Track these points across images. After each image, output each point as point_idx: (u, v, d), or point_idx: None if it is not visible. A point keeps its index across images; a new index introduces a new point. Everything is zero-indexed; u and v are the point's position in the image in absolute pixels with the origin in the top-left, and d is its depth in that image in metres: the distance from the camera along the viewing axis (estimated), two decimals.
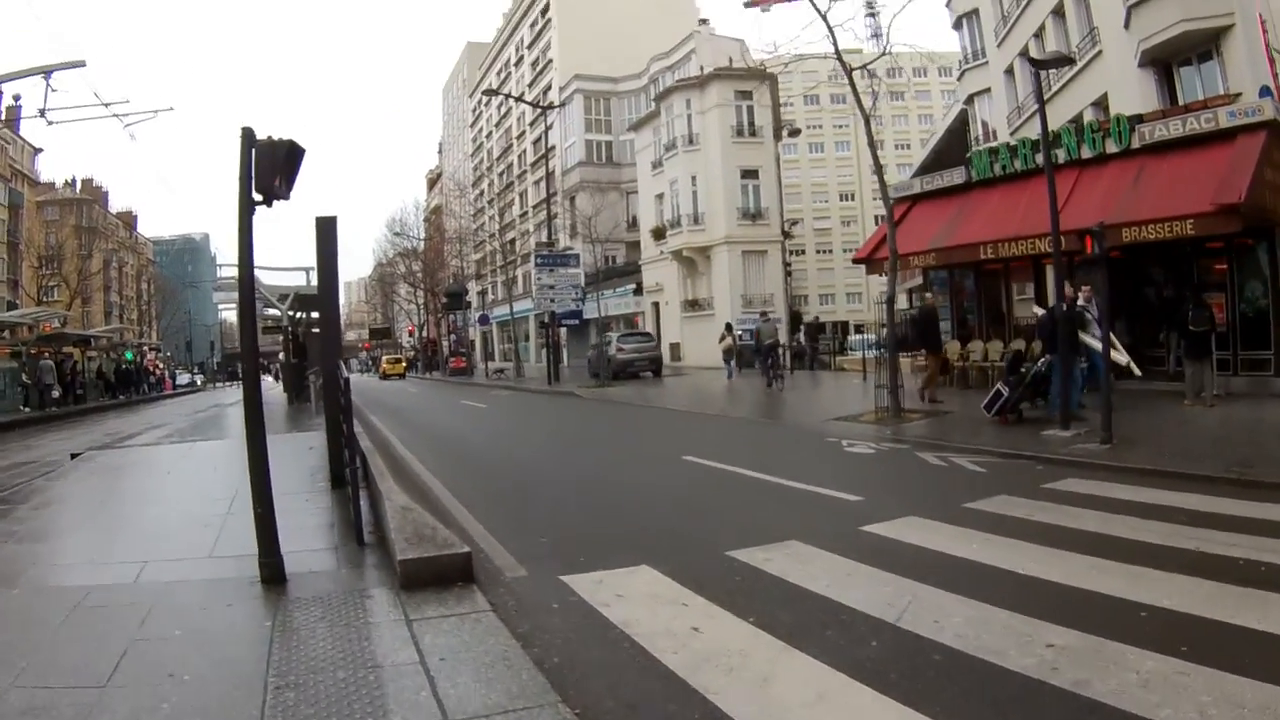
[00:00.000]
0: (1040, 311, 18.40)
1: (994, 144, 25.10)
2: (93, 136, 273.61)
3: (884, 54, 20.03)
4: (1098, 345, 15.05)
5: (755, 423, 20.10)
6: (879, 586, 6.51)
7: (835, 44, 18.45)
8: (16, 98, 22.10)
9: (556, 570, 7.30)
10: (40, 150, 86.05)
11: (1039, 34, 31.88)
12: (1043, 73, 30.86)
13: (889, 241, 18.61)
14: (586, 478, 13.03)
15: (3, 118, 74.21)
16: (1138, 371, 17.04)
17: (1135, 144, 20.07)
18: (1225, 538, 7.31)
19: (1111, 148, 20.63)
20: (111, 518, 10.81)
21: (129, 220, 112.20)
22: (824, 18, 18.44)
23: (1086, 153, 21.21)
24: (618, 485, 12.07)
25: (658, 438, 18.24)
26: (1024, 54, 17.39)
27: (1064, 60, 17.89)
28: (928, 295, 24.28)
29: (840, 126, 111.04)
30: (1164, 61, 24.38)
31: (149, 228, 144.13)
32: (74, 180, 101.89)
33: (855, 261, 28.21)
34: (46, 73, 20.63)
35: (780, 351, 32.34)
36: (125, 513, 11.23)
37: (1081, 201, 19.91)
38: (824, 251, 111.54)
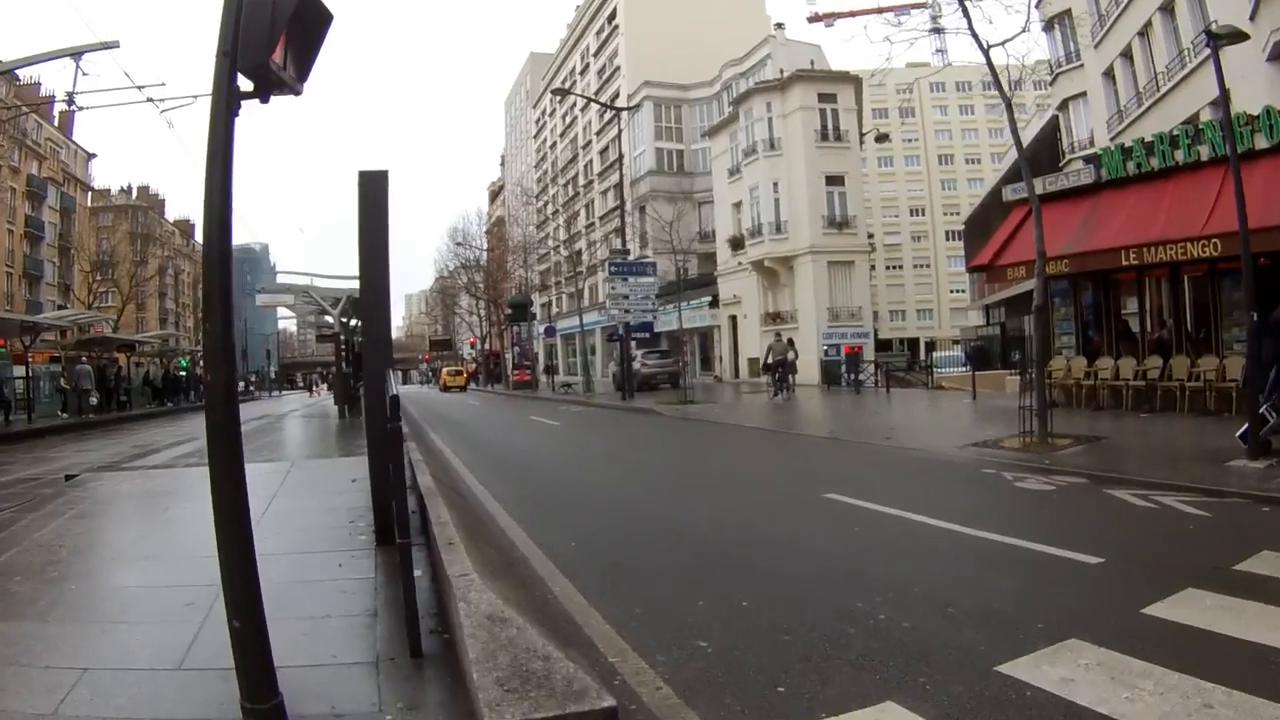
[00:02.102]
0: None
1: (1122, 143, 22.91)
2: (148, 142, 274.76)
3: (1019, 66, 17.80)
4: None
5: (880, 448, 17.33)
6: None
7: (972, 25, 16.15)
8: (70, 102, 20.50)
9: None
10: (94, 156, 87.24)
11: (1144, 32, 30.15)
12: (1152, 72, 30.04)
13: (1036, 241, 16.42)
14: (721, 527, 9.92)
15: (56, 122, 75.80)
16: None
17: None
18: None
19: (1261, 143, 18.53)
20: (60, 587, 7.28)
21: (186, 228, 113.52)
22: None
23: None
24: (768, 541, 9.13)
25: (777, 467, 15.85)
26: (1208, 31, 15.26)
27: (1242, 35, 15.75)
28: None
29: (910, 141, 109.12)
30: None
31: None
32: (130, 187, 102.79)
33: (972, 269, 26.20)
34: (77, 54, 19.44)
35: (788, 369, 33.52)
36: (84, 577, 7.76)
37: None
38: (894, 267, 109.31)
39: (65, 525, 10.11)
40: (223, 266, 4.15)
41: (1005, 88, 17.09)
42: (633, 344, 42.48)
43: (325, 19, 4.58)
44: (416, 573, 6.53)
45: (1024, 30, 17.70)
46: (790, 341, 36.08)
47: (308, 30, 4.52)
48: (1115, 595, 6.64)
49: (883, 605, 6.49)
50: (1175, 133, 21.14)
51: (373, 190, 7.91)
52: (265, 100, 4.39)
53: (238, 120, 4.15)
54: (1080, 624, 5.88)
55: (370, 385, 8.22)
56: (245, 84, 4.26)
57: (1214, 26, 15.97)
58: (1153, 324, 23.43)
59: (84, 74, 19.52)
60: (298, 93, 4.55)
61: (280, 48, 4.29)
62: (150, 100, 20.99)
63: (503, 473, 15.46)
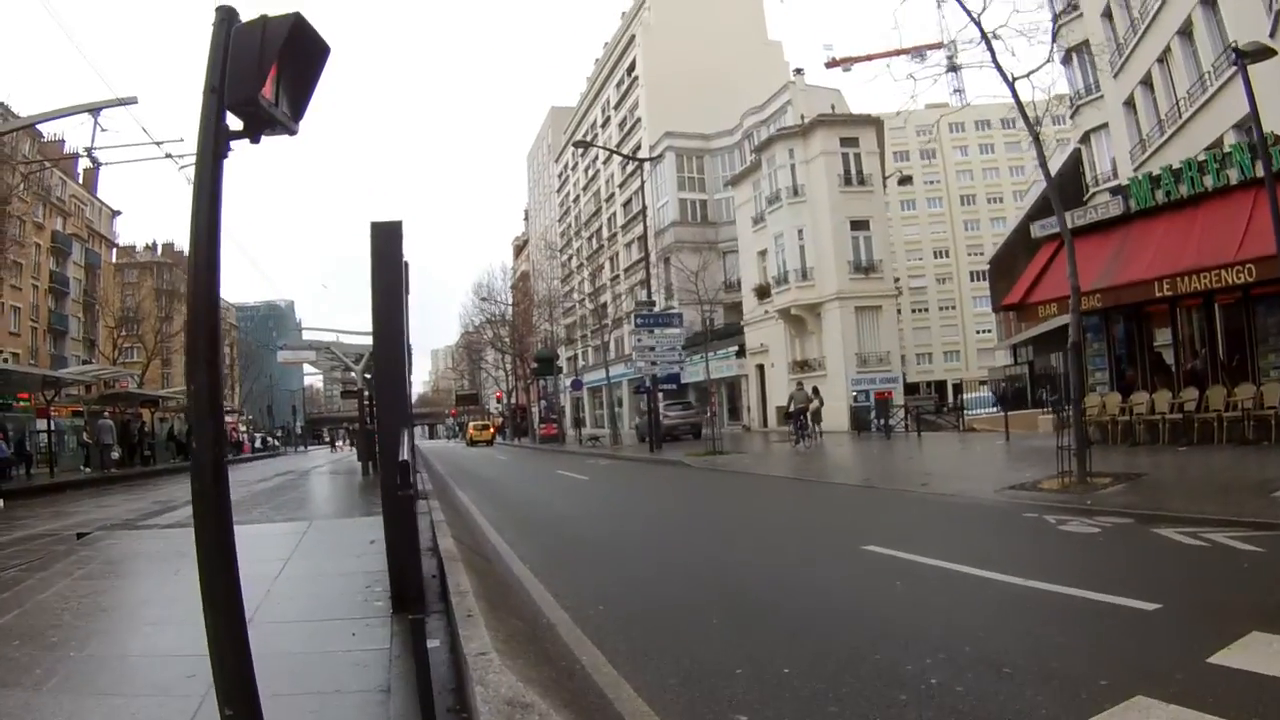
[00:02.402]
0: None
1: (1150, 172, 22.56)
2: (170, 200, 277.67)
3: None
4: None
5: (915, 495, 16.70)
6: None
7: (995, 58, 15.86)
8: (89, 157, 20.59)
9: None
10: (119, 213, 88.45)
11: (1163, 59, 29.80)
12: (1173, 98, 29.67)
13: (1070, 277, 15.98)
14: (757, 584, 9.37)
15: (80, 180, 76.58)
16: None
17: None
18: None
19: None
20: (59, 653, 6.68)
21: None
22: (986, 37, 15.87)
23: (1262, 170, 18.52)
24: (807, 599, 8.51)
25: (812, 518, 15.31)
26: (1234, 48, 14.98)
27: (1270, 51, 15.44)
28: None
29: (932, 183, 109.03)
30: None
31: (233, 294, 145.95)
32: (155, 244, 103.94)
33: (1002, 308, 25.81)
34: (95, 110, 19.38)
35: (807, 417, 33.05)
36: (85, 643, 7.13)
37: (1267, 222, 17.31)
38: (919, 310, 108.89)
39: (71, 586, 9.79)
40: (209, 317, 3.80)
41: (1031, 121, 16.81)
42: (659, 395, 42.21)
43: (321, 51, 4.19)
44: (434, 643, 6.26)
45: (1048, 61, 17.49)
46: (815, 390, 36.03)
47: (302, 64, 4.14)
48: (1177, 644, 6.23)
49: (934, 668, 6.01)
50: (1202, 158, 20.87)
51: (386, 241, 7.56)
52: (255, 140, 4.03)
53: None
54: (1145, 678, 5.46)
55: (384, 446, 7.53)
56: (235, 123, 3.92)
57: (1239, 45, 15.70)
58: (1185, 354, 23.10)
59: (103, 130, 19.73)
60: (292, 132, 4.17)
61: (271, 82, 3.93)
62: (169, 156, 21.01)
63: (529, 530, 14.96)
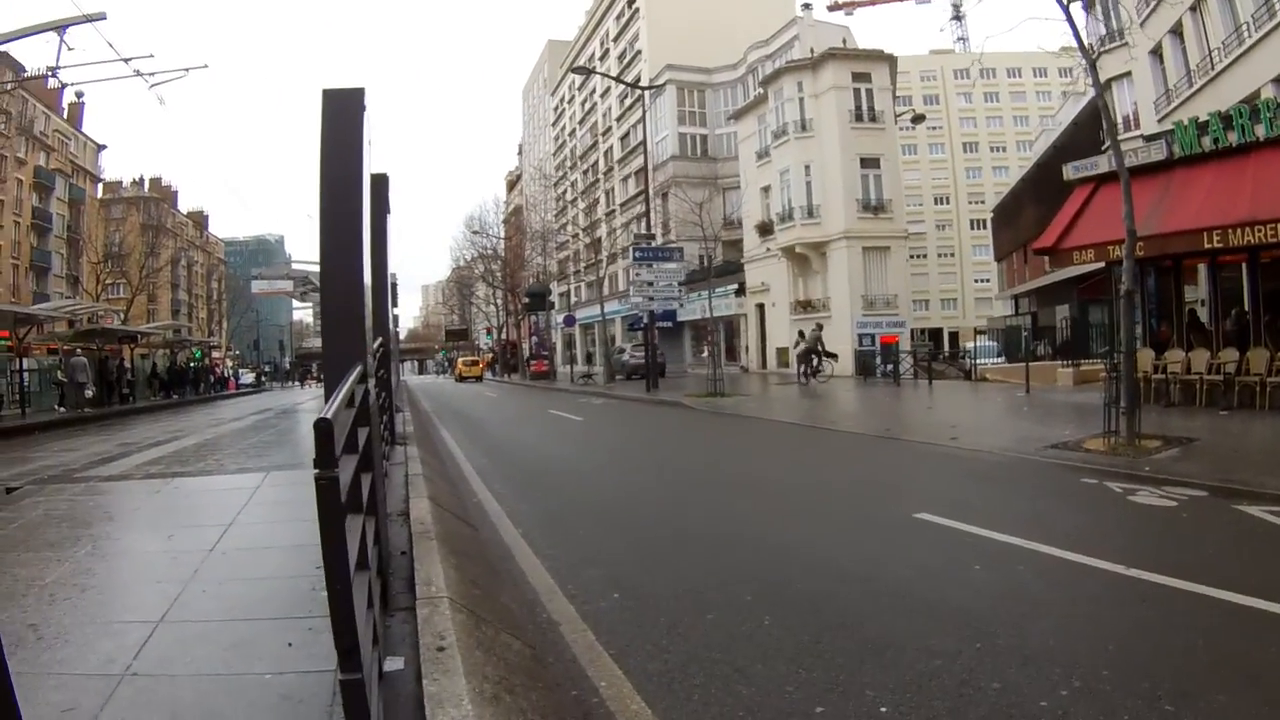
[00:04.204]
0: None
1: (1197, 117, 21.32)
2: (161, 134, 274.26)
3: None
4: None
5: (947, 450, 15.25)
6: None
7: None
8: (79, 94, 19.61)
9: None
10: (104, 147, 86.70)
11: (1196, 8, 28.50)
12: (1205, 49, 28.50)
13: (1125, 220, 14.66)
14: (801, 567, 7.64)
15: (65, 114, 74.98)
16: None
17: None
18: None
19: None
20: None
21: (199, 219, 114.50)
22: None
23: None
24: (868, 588, 6.94)
25: (842, 475, 13.65)
26: None
27: None
28: None
29: (934, 129, 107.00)
30: None
31: (223, 229, 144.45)
32: (142, 179, 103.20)
33: (1037, 251, 24.43)
34: (61, 27, 18.48)
35: (817, 357, 35.44)
36: None
37: None
38: (917, 256, 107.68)
39: None
40: None
41: (1086, 49, 15.58)
42: (641, 335, 41.63)
43: None
44: (396, 665, 4.60)
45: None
46: (816, 334, 36.70)
47: None
48: None
49: (1072, 701, 4.66)
50: (1257, 105, 19.68)
51: (341, 111, 5.80)
52: None
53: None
54: None
55: (328, 387, 5.47)
56: None
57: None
58: (1221, 313, 22.16)
59: (69, 49, 18.54)
60: None
61: None
62: (138, 74, 20.11)
63: (522, 483, 13.35)
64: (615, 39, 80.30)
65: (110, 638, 5.30)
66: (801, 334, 39.50)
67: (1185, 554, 7.73)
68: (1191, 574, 6.81)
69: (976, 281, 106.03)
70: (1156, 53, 32.12)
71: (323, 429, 3.17)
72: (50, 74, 19.76)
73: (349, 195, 5.69)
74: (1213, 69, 27.74)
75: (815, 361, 35.52)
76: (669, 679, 5.20)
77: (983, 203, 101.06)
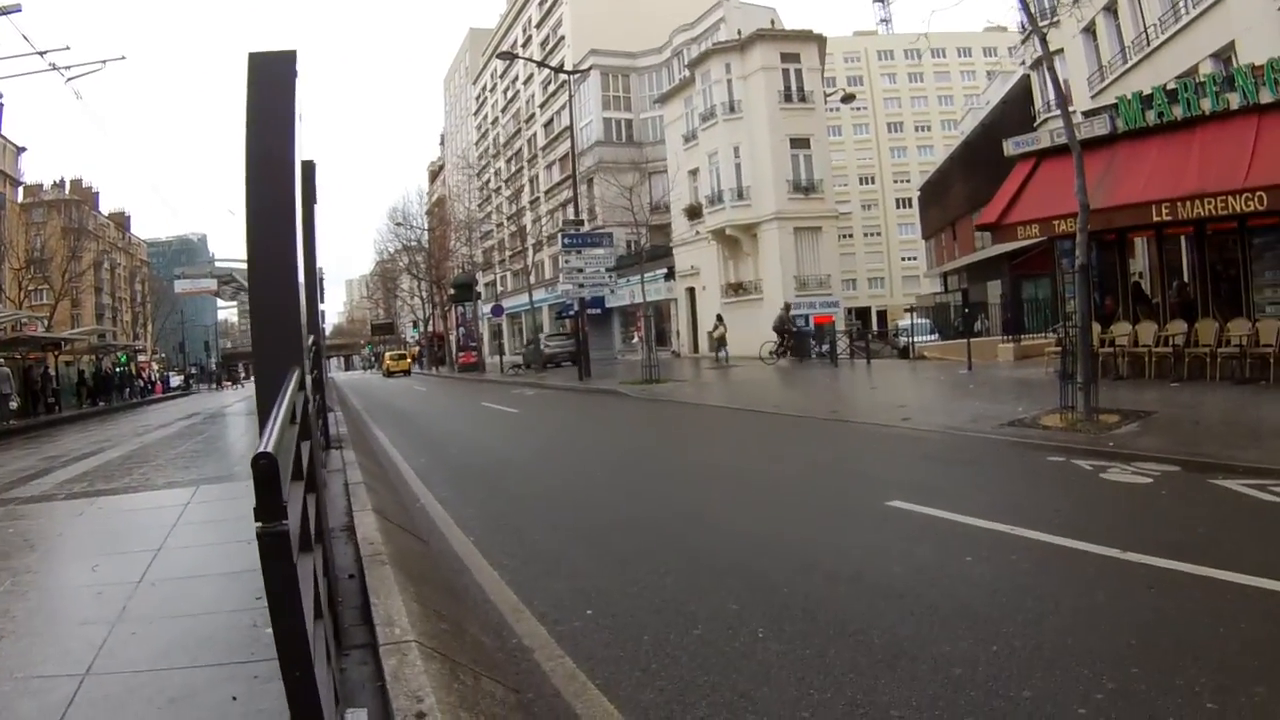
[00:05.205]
0: None
1: (1141, 91, 21.11)
2: (79, 137, 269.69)
3: None
4: None
5: (901, 431, 14.75)
6: None
7: None
8: None
9: None
10: (24, 149, 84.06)
11: None
12: (1141, 25, 28.51)
13: (1078, 193, 14.35)
14: (782, 565, 7.04)
15: None
16: None
17: None
18: None
19: (1266, 97, 17.59)
20: None
21: (120, 221, 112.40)
22: None
23: (1267, 97, 17.71)
24: (857, 586, 6.35)
25: (799, 461, 13.05)
26: None
27: None
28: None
29: (859, 109, 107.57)
30: None
31: (145, 230, 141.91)
32: (63, 181, 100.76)
33: (979, 228, 24.21)
34: None
35: (789, 336, 37.03)
36: None
37: (1275, 150, 16.66)
38: (845, 236, 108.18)
39: None
40: None
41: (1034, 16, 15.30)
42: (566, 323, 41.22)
43: None
44: (359, 716, 3.85)
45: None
46: (782, 312, 38.32)
47: None
48: None
49: (1104, 704, 4.18)
50: (1201, 79, 19.71)
51: (270, 77, 4.97)
52: None
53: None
54: None
55: (261, 398, 4.67)
56: None
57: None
58: (1164, 285, 22.04)
59: None
60: None
61: None
62: (54, 67, 19.31)
63: (465, 484, 12.53)
64: (538, 25, 79.72)
65: (30, 696, 4.55)
66: (720, 318, 40.98)
67: (1177, 534, 7.33)
68: (1191, 556, 6.48)
69: (903, 260, 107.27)
70: (1090, 30, 32.16)
71: (264, 469, 2.49)
72: None
73: (280, 175, 4.89)
74: (1148, 45, 27.80)
75: (786, 340, 36.58)
76: (668, 713, 4.51)
77: (908, 182, 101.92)
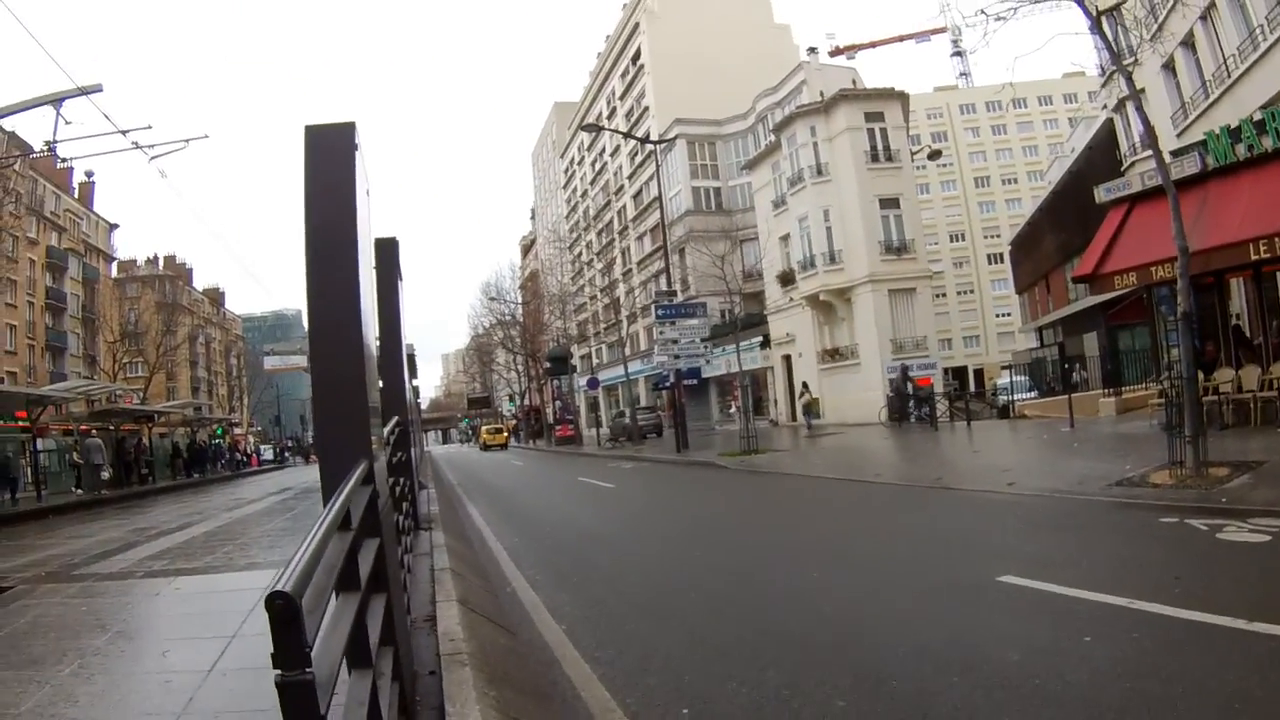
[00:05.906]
0: None
1: (1228, 125, 20.68)
2: (172, 216, 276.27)
3: None
4: None
5: (1007, 497, 14.22)
6: None
7: None
8: (89, 174, 19.37)
9: None
10: (116, 226, 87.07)
11: (1206, 15, 27.98)
12: (1220, 57, 27.95)
13: (1177, 237, 13.95)
14: (904, 655, 6.49)
15: (76, 194, 75.37)
16: None
17: None
18: None
19: None
20: None
21: (215, 296, 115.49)
22: None
23: None
24: (971, 677, 5.84)
25: (902, 533, 12.52)
26: None
27: None
28: None
29: (945, 165, 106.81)
30: None
31: (240, 306, 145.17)
32: (156, 257, 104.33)
33: (1077, 278, 23.80)
34: (57, 101, 18.30)
35: (913, 400, 36.17)
36: None
37: None
38: (938, 295, 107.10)
39: None
40: None
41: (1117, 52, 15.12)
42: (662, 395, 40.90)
43: None
44: None
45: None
46: (805, 385, 39.83)
47: None
48: None
49: None
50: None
51: (328, 150, 4.52)
52: None
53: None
54: None
55: (325, 484, 4.12)
56: None
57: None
58: (1265, 327, 21.77)
59: (66, 122, 18.32)
60: None
61: None
62: (137, 145, 19.79)
63: (558, 565, 12.21)
64: (621, 96, 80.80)
65: None
66: (805, 385, 41.54)
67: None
68: None
69: (998, 316, 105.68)
70: (1169, 66, 31.54)
71: (280, 611, 2.30)
72: (48, 148, 19.51)
73: (342, 252, 4.47)
74: (1229, 76, 27.18)
75: (910, 405, 36.25)
76: None
77: (998, 237, 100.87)
